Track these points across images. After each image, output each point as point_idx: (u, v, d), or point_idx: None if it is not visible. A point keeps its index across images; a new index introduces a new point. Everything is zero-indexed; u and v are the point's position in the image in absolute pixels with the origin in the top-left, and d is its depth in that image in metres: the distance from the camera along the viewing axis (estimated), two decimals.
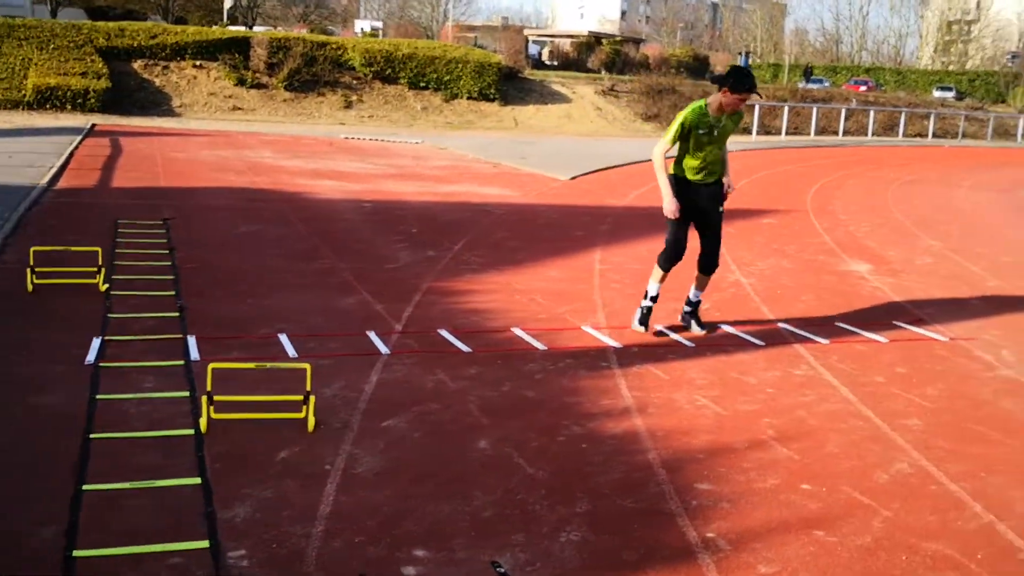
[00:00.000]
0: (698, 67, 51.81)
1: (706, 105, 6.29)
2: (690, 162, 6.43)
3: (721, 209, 6.65)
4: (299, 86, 32.26)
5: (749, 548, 3.60)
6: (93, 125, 22.81)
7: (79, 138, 18.80)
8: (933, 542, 3.73)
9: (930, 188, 18.94)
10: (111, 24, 33.03)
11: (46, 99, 26.94)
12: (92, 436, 4.24)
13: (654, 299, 6.70)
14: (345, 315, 6.66)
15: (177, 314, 6.38)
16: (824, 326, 7.06)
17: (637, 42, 57.87)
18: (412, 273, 8.14)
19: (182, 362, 5.34)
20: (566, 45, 49.84)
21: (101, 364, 5.24)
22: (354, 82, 33.28)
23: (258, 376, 5.06)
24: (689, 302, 6.81)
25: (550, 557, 3.44)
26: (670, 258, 6.58)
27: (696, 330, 6.71)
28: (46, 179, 12.30)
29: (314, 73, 32.67)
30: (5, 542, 3.31)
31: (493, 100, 34.02)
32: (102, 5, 58.67)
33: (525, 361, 5.81)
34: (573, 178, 16.81)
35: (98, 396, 4.74)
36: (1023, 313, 7.91)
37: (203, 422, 4.40)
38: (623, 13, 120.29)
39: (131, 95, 29.60)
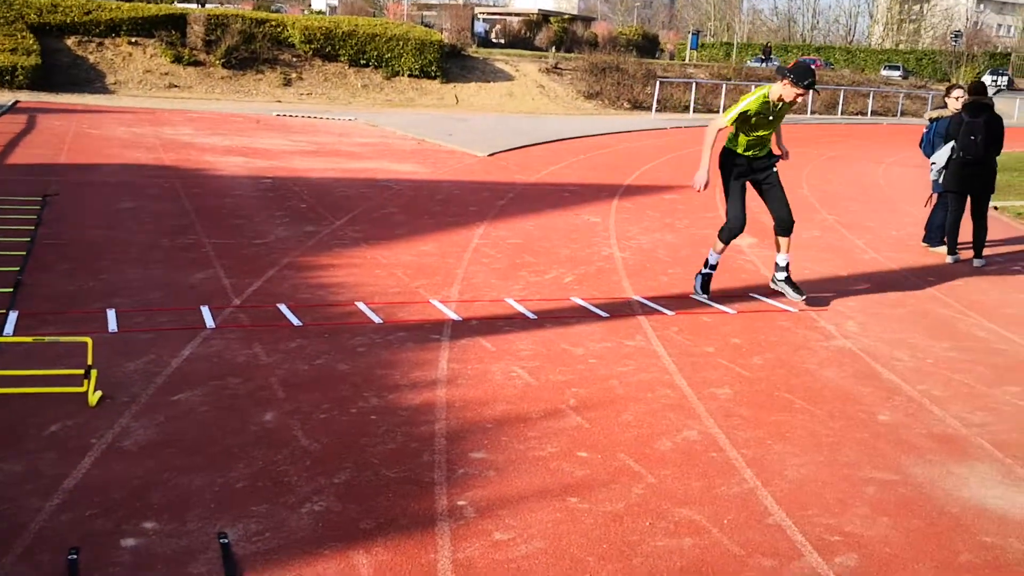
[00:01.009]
0: (647, 45, 51.87)
1: (769, 94, 6.48)
2: (743, 140, 6.65)
3: (775, 169, 6.82)
4: (237, 64, 31.82)
5: (494, 515, 3.61)
6: (15, 102, 22.38)
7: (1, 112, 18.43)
8: (686, 508, 3.76)
9: (850, 165, 19.08)
10: (44, 0, 32.37)
11: None
12: None
13: (713, 267, 7.01)
14: (188, 290, 6.58)
15: (11, 289, 6.27)
16: (678, 299, 7.10)
17: (588, 20, 57.79)
18: (278, 249, 8.07)
19: (18, 338, 5.24)
20: (516, 23, 49.63)
21: None
22: (294, 60, 32.89)
23: (60, 350, 4.98)
24: (778, 267, 6.98)
25: (282, 527, 3.42)
26: (730, 231, 6.83)
27: (793, 296, 6.92)
28: None
29: (253, 50, 32.24)
30: None
31: (435, 78, 33.78)
32: None
33: (354, 335, 5.77)
34: (491, 155, 16.75)
35: None
36: (882, 286, 8.00)
37: None
38: None
39: (64, 72, 29.05)
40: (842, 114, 38.88)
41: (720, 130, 6.62)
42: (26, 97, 24.34)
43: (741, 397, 5.09)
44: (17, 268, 6.83)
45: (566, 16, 52.32)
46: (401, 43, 33.50)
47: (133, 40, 31.38)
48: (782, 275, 7.02)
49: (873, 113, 40.37)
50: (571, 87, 36.24)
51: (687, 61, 50.33)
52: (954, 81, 41.68)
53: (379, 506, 3.63)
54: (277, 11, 47.62)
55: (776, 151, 6.92)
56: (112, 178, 11.50)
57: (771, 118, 6.60)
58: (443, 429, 4.40)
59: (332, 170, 13.53)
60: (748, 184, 6.85)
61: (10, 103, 21.79)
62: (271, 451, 4.05)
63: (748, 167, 6.76)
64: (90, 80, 29.30)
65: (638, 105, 34.96)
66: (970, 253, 9.12)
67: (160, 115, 21.94)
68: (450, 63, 34.86)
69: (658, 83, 32.97)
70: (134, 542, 3.26)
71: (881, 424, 4.81)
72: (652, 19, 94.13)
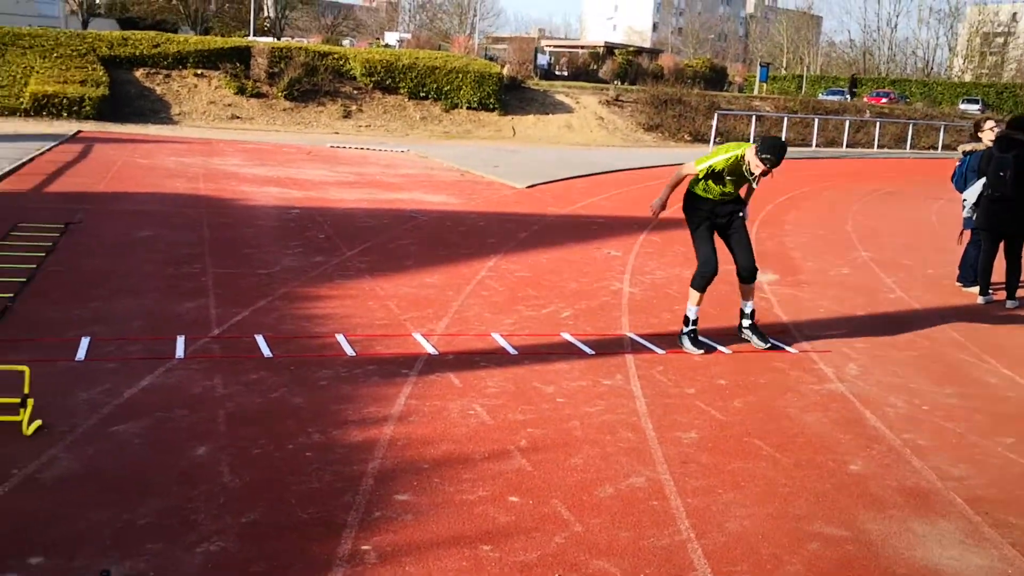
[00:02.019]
0: (715, 78, 51.48)
1: (744, 156, 6.18)
2: (714, 188, 6.40)
3: (742, 215, 6.55)
4: (299, 95, 32.41)
5: (396, 562, 3.44)
6: (77, 132, 23.06)
7: (52, 144, 19.00)
8: (604, 559, 3.55)
9: (905, 201, 18.51)
10: (115, 33, 33.50)
11: (43, 106, 27.30)
12: None
13: (695, 323, 6.56)
14: (172, 319, 6.57)
15: None
16: (674, 337, 6.85)
17: (654, 53, 57.62)
18: (279, 279, 8.05)
19: None
20: (581, 56, 49.72)
21: None
22: (355, 92, 33.39)
23: (16, 377, 4.97)
24: (743, 314, 6.71)
25: (169, 569, 3.31)
26: (704, 277, 6.48)
27: (759, 344, 6.62)
28: None
29: (315, 83, 32.82)
30: None
31: (493, 110, 33.94)
32: (133, 16, 59.80)
33: (321, 367, 5.68)
34: (530, 187, 16.65)
35: None
36: (899, 326, 7.64)
37: None
38: (655, 25, 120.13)
39: (131, 103, 29.93)
40: (911, 148, 37.93)
41: (686, 176, 6.44)
42: (91, 127, 25.09)
43: (706, 442, 4.84)
44: (11, 295, 6.91)
45: (631, 48, 52.28)
46: (461, 76, 33.77)
47: (199, 72, 32.20)
48: (747, 322, 6.72)
49: (944, 147, 39.30)
50: (631, 119, 36.06)
51: (755, 94, 49.77)
52: None
53: (278, 549, 3.49)
54: (346, 44, 48.54)
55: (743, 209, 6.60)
56: (139, 207, 11.69)
57: (741, 183, 6.36)
58: (375, 468, 4.26)
59: (363, 200, 13.58)
60: (716, 228, 6.56)
61: (71, 133, 22.46)
62: (189, 487, 3.95)
63: (711, 212, 6.48)
64: (156, 111, 30.12)
65: (699, 138, 34.62)
66: (1004, 294, 8.68)
67: (215, 145, 22.39)
68: (509, 95, 35.01)
69: (716, 115, 32.58)
70: None
71: (849, 475, 4.52)
72: (724, 52, 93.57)
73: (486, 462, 4.42)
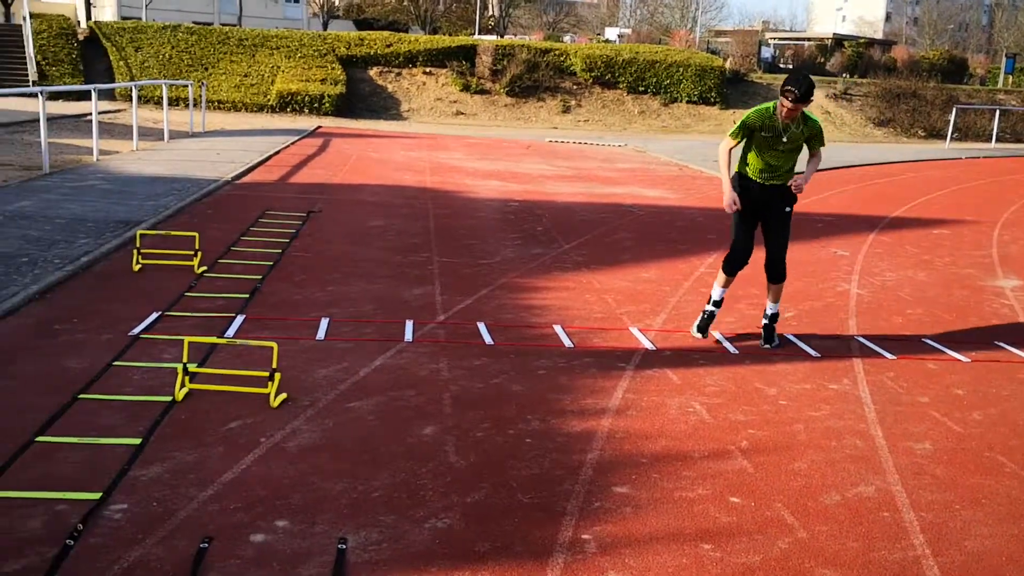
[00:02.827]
0: (953, 70, 48.03)
1: (773, 108, 5.97)
2: (754, 162, 6.14)
3: (788, 209, 6.26)
4: (520, 91, 33.08)
5: (615, 553, 3.46)
6: (317, 127, 24.56)
7: (295, 139, 20.34)
8: (831, 569, 3.42)
9: None
10: (352, 34, 35.38)
11: (287, 103, 29.30)
12: (79, 396, 4.70)
13: (717, 304, 6.42)
14: (401, 304, 6.89)
15: (248, 295, 6.86)
16: (906, 342, 6.51)
17: (887, 45, 54.56)
18: (499, 269, 8.26)
19: (212, 338, 5.74)
20: (808, 48, 47.84)
21: (142, 335, 5.76)
22: (574, 87, 33.69)
23: (267, 353, 5.37)
24: (765, 315, 6.45)
25: (400, 540, 3.48)
26: (732, 261, 6.32)
27: (763, 344, 6.35)
28: (233, 174, 13.45)
29: (535, 79, 33.39)
30: None
31: (713, 104, 33.32)
32: (368, 18, 63.06)
33: (540, 357, 5.78)
34: None
35: (114, 362, 5.23)
36: None
37: (180, 391, 4.76)
38: (887, 15, 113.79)
39: (365, 100, 31.59)
40: None
41: (730, 149, 6.08)
42: (329, 123, 26.66)
43: (941, 454, 4.56)
44: (260, 276, 7.46)
45: (862, 40, 49.73)
46: (681, 69, 33.37)
47: (427, 70, 33.49)
48: (766, 321, 6.35)
49: None
50: (860, 114, 34.40)
51: (999, 87, 46.14)
52: None
53: (501, 530, 3.59)
54: (566, 41, 49.04)
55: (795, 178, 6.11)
56: (372, 198, 12.31)
57: (784, 139, 5.91)
58: (594, 459, 4.29)
59: (581, 195, 13.69)
60: (758, 214, 6.19)
61: (312, 128, 23.95)
62: (417, 464, 4.14)
63: (760, 193, 6.09)
64: (387, 107, 31.60)
65: (935, 133, 32.58)
66: None
67: (440, 140, 23.23)
68: (731, 89, 34.25)
69: (955, 110, 30.48)
70: (262, 538, 3.44)
71: None
72: (965, 42, 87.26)
73: (706, 460, 4.35)
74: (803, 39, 51.72)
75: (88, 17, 38.54)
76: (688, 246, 9.90)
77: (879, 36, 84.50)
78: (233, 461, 4.07)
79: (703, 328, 6.41)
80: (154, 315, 6.21)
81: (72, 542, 3.31)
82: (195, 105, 22.72)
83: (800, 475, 4.25)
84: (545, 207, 12.21)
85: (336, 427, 4.52)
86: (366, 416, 4.67)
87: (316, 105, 29.11)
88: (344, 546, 3.41)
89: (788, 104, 5.75)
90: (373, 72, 33.07)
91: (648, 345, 6.15)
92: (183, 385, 4.80)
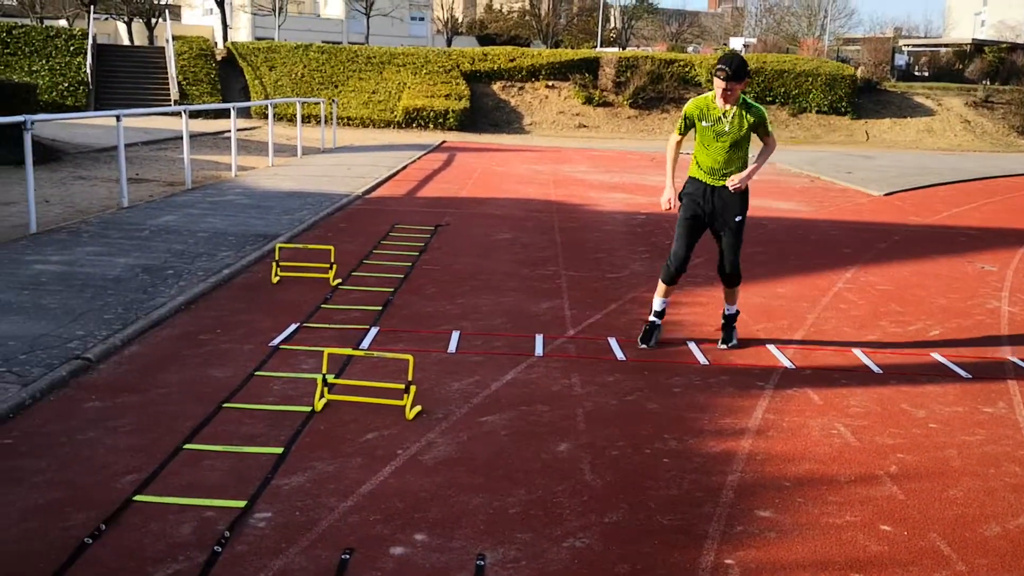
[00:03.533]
0: None
1: (714, 96, 5.83)
2: (702, 159, 6.01)
3: (739, 219, 6.07)
4: (643, 103, 32.88)
5: None
6: (442, 142, 24.95)
7: (421, 153, 20.70)
8: None
9: None
10: (476, 50, 35.84)
11: (413, 119, 29.89)
12: (224, 404, 4.84)
13: (658, 314, 6.32)
14: (530, 318, 6.87)
15: (380, 308, 6.97)
16: None
17: None
18: (628, 283, 8.16)
19: (350, 350, 5.84)
20: (944, 55, 45.96)
21: (281, 346, 5.91)
22: None
23: (402, 365, 5.43)
24: (723, 315, 6.39)
25: (539, 558, 3.43)
26: (667, 268, 6.23)
27: (720, 345, 6.25)
28: (363, 189, 13.76)
29: (659, 90, 33.14)
30: (93, 485, 3.92)
31: (844, 114, 32.36)
32: (491, 33, 63.93)
33: (674, 374, 5.67)
34: (888, 194, 15.64)
35: (256, 372, 5.38)
36: None
37: (319, 402, 4.85)
38: None
39: (488, 114, 31.94)
40: None
41: (675, 144, 6.08)
42: (453, 137, 27.05)
43: None
44: (392, 289, 7.58)
45: (1004, 45, 47.40)
46: (810, 79, 32.56)
47: (550, 84, 33.66)
48: (723, 321, 6.34)
49: None
50: (1002, 122, 32.84)
51: None
52: None
53: (641, 552, 3.51)
54: (690, 52, 48.49)
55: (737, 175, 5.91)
56: (498, 211, 12.38)
57: (726, 129, 5.76)
58: (735, 481, 4.16)
59: None
60: (705, 224, 6.08)
61: (437, 143, 24.33)
62: (553, 481, 4.09)
63: (709, 201, 5.88)
64: (509, 121, 31.87)
65: None
66: None
67: (564, 153, 23.25)
68: (862, 98, 33.23)
69: None
70: (401, 551, 3.45)
71: None
72: None
73: (853, 485, 4.16)
74: (939, 45, 49.67)
75: (225, 38, 40.22)
76: (824, 260, 9.58)
77: (1022, 41, 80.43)
78: (371, 472, 4.11)
79: (644, 338, 6.26)
80: (293, 326, 6.36)
81: (220, 549, 3.39)
82: (326, 122, 23.38)
83: (956, 503, 4.01)
84: (671, 220, 12.00)
85: (470, 441, 4.51)
86: (499, 431, 4.66)
87: (441, 120, 29.58)
88: (483, 562, 3.38)
89: (721, 84, 5.62)
90: (496, 87, 33.41)
91: (787, 363, 5.96)
92: (322, 396, 4.89)
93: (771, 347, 6.32)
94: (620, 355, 6.00)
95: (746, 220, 6.11)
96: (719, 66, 5.63)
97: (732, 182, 5.87)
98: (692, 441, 4.62)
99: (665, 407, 5.08)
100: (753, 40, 64.92)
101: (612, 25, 67.13)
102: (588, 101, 33.04)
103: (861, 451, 4.57)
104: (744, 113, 5.80)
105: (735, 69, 5.58)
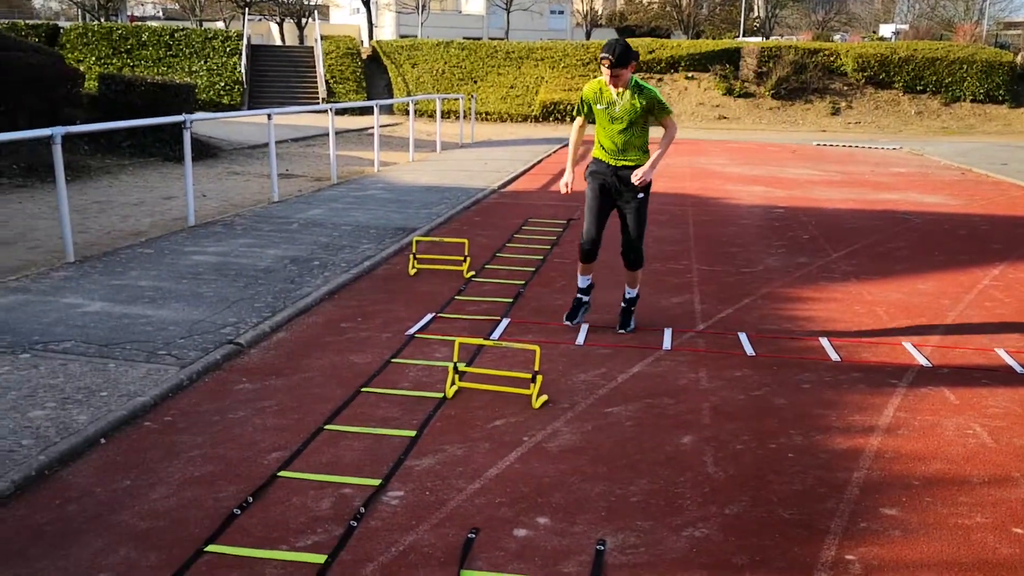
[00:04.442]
0: None
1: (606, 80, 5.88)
2: (602, 139, 6.07)
3: (641, 196, 6.05)
4: (786, 94, 32.10)
5: None
6: None
7: (557, 147, 20.86)
8: None
9: None
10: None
11: (549, 112, 30.11)
12: (362, 389, 5.11)
13: (583, 291, 6.41)
14: (658, 312, 6.91)
15: (511, 300, 7.15)
16: None
17: None
18: (762, 278, 8.09)
19: (480, 340, 6.04)
20: None
21: (417, 335, 6.16)
22: (844, 88, 32.24)
23: (530, 356, 5.59)
24: (623, 299, 6.43)
25: (657, 545, 3.52)
26: (581, 246, 6.24)
27: (618, 330, 6.29)
28: (498, 183, 14.02)
29: (803, 80, 32.28)
30: (242, 460, 4.23)
31: (1002, 103, 30.73)
32: (630, 25, 63.54)
33: (804, 370, 5.62)
34: None
35: (393, 359, 5.64)
36: None
37: (450, 389, 5.05)
38: None
39: None
40: None
41: (577, 128, 6.24)
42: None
43: None
44: (523, 282, 7.75)
45: None
46: (965, 66, 31.08)
47: (689, 75, 33.26)
48: (623, 304, 6.40)
49: None
50: None
51: None
52: None
53: (760, 544, 3.54)
54: (836, 40, 46.98)
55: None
56: None
57: (615, 109, 5.86)
58: (860, 478, 4.13)
59: (850, 201, 13.09)
60: (612, 202, 6.12)
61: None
62: (675, 472, 4.16)
63: (612, 178, 6.02)
64: None
65: None
66: None
67: (702, 145, 22.98)
68: (1022, 86, 31.43)
69: None
70: (525, 533, 3.60)
71: None
72: None
73: (986, 487, 4.07)
74: None
75: (371, 37, 41.45)
76: (970, 256, 9.23)
77: None
78: (498, 457, 4.27)
79: (572, 316, 6.45)
80: (428, 316, 6.61)
81: (355, 523, 3.62)
82: (465, 117, 23.83)
83: None
84: (812, 214, 11.79)
85: (595, 431, 4.62)
86: (624, 422, 4.75)
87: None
88: (603, 547, 3.49)
89: (607, 71, 5.66)
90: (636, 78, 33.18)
91: (923, 361, 5.81)
92: (453, 383, 5.09)
93: (907, 344, 6.17)
94: (750, 350, 5.98)
95: (649, 199, 6.17)
96: (603, 54, 5.75)
97: (636, 176, 5.94)
98: (819, 437, 4.59)
99: (793, 403, 5.06)
100: (905, 26, 62.28)
101: (755, 14, 65.59)
102: (728, 92, 32.50)
103: (997, 452, 4.45)
104: (636, 96, 5.88)
105: (619, 55, 5.70)
